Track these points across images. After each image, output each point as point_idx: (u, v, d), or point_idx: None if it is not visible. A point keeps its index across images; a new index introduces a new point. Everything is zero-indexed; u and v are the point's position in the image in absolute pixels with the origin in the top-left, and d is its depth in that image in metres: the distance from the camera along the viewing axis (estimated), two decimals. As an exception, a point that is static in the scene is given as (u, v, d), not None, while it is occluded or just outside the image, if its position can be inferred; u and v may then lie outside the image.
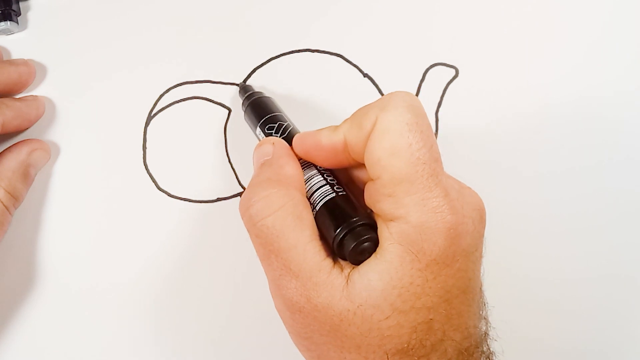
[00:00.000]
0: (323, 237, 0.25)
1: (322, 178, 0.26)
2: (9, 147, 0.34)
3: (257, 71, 0.36)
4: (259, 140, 0.30)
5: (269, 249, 0.24)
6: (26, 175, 0.34)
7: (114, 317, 0.34)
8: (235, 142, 0.36)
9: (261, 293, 0.34)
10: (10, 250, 0.35)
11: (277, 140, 0.28)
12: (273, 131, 0.30)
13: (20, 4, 0.37)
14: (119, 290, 0.35)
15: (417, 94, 0.36)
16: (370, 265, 0.23)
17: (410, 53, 0.36)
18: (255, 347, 0.34)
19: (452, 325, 0.23)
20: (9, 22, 0.36)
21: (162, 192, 0.35)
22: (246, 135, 0.36)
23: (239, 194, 0.35)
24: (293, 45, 0.36)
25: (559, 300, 0.35)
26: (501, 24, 0.36)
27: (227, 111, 0.36)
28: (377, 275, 0.23)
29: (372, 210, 0.25)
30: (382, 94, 0.36)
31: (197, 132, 0.36)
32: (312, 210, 0.25)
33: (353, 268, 0.24)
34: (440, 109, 0.36)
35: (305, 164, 0.27)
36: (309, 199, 0.26)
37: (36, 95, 0.36)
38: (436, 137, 0.36)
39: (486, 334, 0.25)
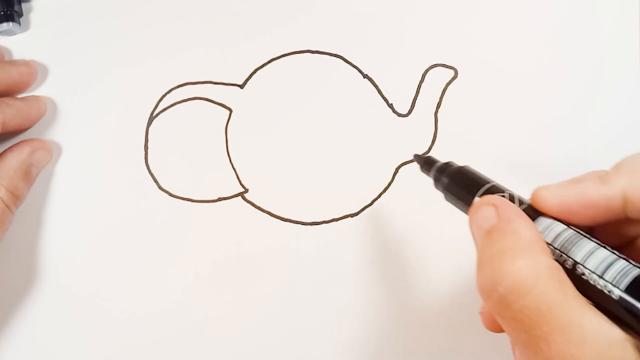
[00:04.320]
0: (627, 326, 0.20)
1: (604, 246, 0.21)
2: (11, 146, 0.34)
3: (258, 72, 0.37)
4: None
5: (534, 335, 0.20)
6: (28, 175, 0.34)
7: (114, 318, 0.34)
8: (236, 142, 0.36)
9: (263, 292, 0.35)
10: (10, 249, 0.35)
11: (499, 201, 0.23)
12: None
13: (22, 5, 0.37)
14: (120, 291, 0.35)
15: (416, 95, 0.36)
16: None
17: (410, 54, 0.36)
18: (258, 346, 0.34)
19: None
20: (10, 23, 0.36)
21: (163, 192, 0.35)
22: (247, 135, 0.36)
23: (240, 194, 0.35)
24: (293, 46, 0.37)
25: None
26: (500, 25, 0.37)
27: (228, 112, 0.36)
28: None
29: None
30: (381, 95, 0.36)
31: (199, 132, 0.36)
32: (609, 293, 0.20)
33: None
34: (440, 109, 0.36)
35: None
36: (580, 273, 0.21)
37: (37, 95, 0.36)
38: (435, 138, 0.36)
39: None
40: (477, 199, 0.25)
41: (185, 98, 0.36)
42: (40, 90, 0.36)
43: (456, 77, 0.36)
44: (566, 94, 0.36)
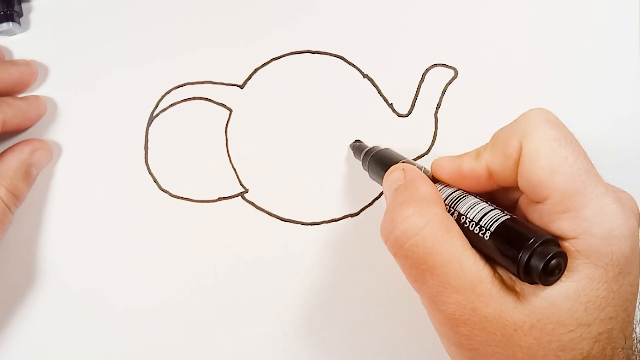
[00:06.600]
0: (496, 263, 0.24)
1: (484, 202, 0.25)
2: (11, 146, 0.34)
3: (258, 72, 0.37)
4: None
5: (422, 268, 0.24)
6: (28, 175, 0.34)
7: (114, 317, 0.34)
8: (236, 142, 0.36)
9: (263, 292, 0.35)
10: (10, 249, 0.35)
11: (406, 166, 0.28)
12: None
13: (22, 5, 0.37)
14: (120, 290, 0.35)
15: (416, 95, 0.36)
16: (555, 289, 0.22)
17: (410, 54, 0.36)
18: (258, 346, 0.34)
19: (628, 331, 0.23)
20: (11, 23, 0.36)
21: (163, 192, 0.35)
22: (247, 135, 0.36)
23: (240, 194, 0.35)
24: (293, 46, 0.37)
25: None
26: (500, 25, 0.37)
27: (228, 112, 0.36)
28: (564, 296, 0.22)
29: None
30: (381, 95, 0.36)
31: (199, 132, 0.36)
32: (483, 236, 0.24)
33: (524, 284, 0.23)
34: (440, 109, 0.36)
35: (448, 186, 0.27)
36: (463, 223, 0.25)
37: (38, 95, 0.36)
38: (435, 139, 0.36)
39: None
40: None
41: (185, 98, 0.36)
42: (41, 90, 0.36)
43: (456, 77, 0.36)
44: (566, 94, 0.36)
